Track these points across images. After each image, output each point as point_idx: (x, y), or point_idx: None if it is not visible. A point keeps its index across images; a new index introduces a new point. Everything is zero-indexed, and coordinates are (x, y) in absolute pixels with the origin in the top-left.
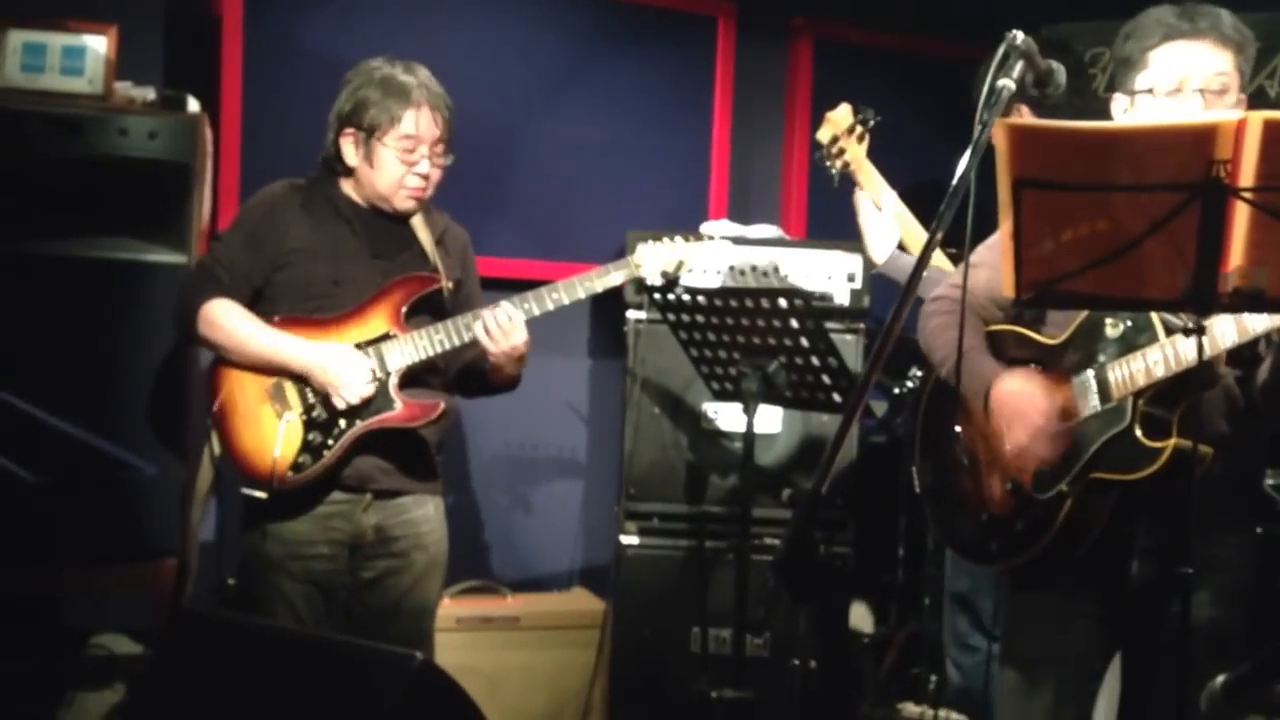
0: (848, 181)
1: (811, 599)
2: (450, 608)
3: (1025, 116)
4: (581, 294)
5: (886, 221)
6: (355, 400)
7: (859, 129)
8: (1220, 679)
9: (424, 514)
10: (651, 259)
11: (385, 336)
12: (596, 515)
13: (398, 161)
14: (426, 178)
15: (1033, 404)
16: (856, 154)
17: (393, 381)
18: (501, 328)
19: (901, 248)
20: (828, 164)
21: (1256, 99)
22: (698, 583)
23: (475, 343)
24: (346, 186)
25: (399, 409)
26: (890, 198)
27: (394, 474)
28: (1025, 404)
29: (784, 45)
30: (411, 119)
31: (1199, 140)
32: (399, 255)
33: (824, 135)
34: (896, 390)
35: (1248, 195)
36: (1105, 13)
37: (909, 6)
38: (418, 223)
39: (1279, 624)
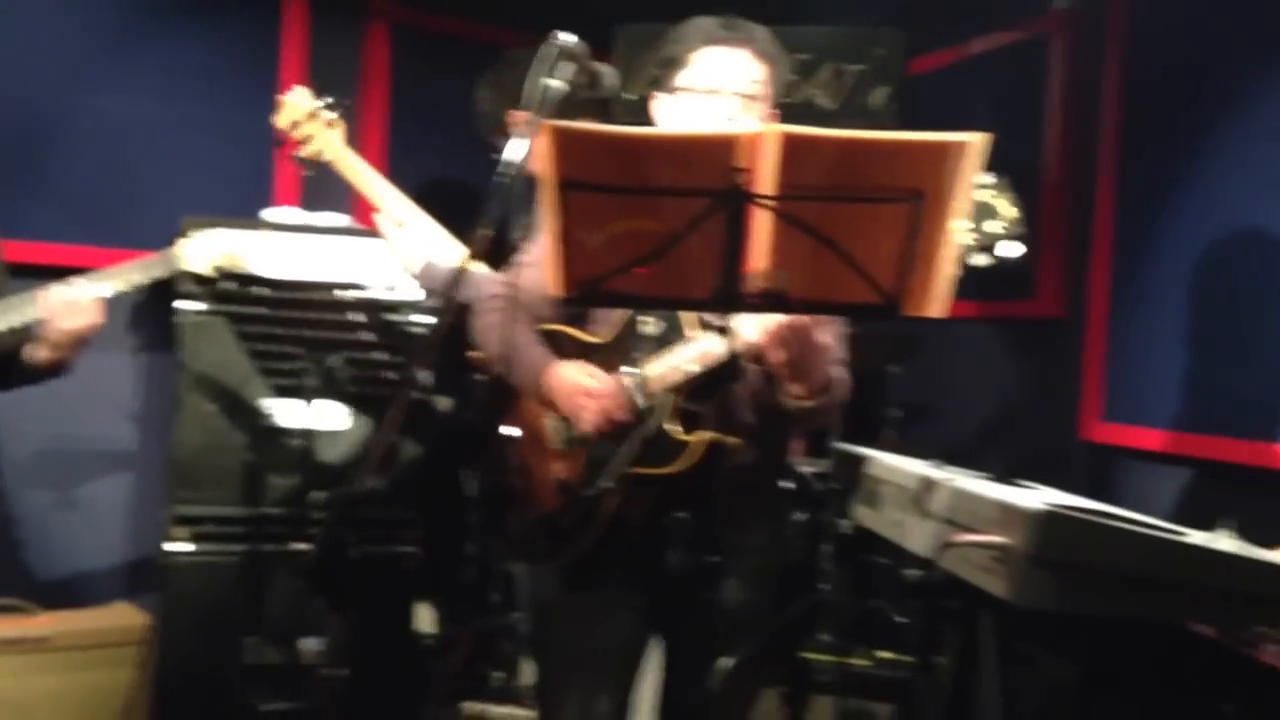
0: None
1: (348, 602)
2: None
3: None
4: (123, 286)
5: (410, 234)
6: None
7: (326, 114)
8: (728, 661)
9: None
10: (198, 250)
11: None
12: (146, 522)
13: None
14: None
15: (592, 376)
16: (329, 144)
17: None
18: (75, 303)
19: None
20: (293, 154)
21: (805, 110)
22: (253, 590)
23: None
24: None
25: None
26: (394, 200)
27: None
28: (583, 378)
29: (360, 26)
30: None
31: (721, 149)
32: None
33: (282, 120)
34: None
35: (766, 203)
36: (683, 13)
37: None
38: None
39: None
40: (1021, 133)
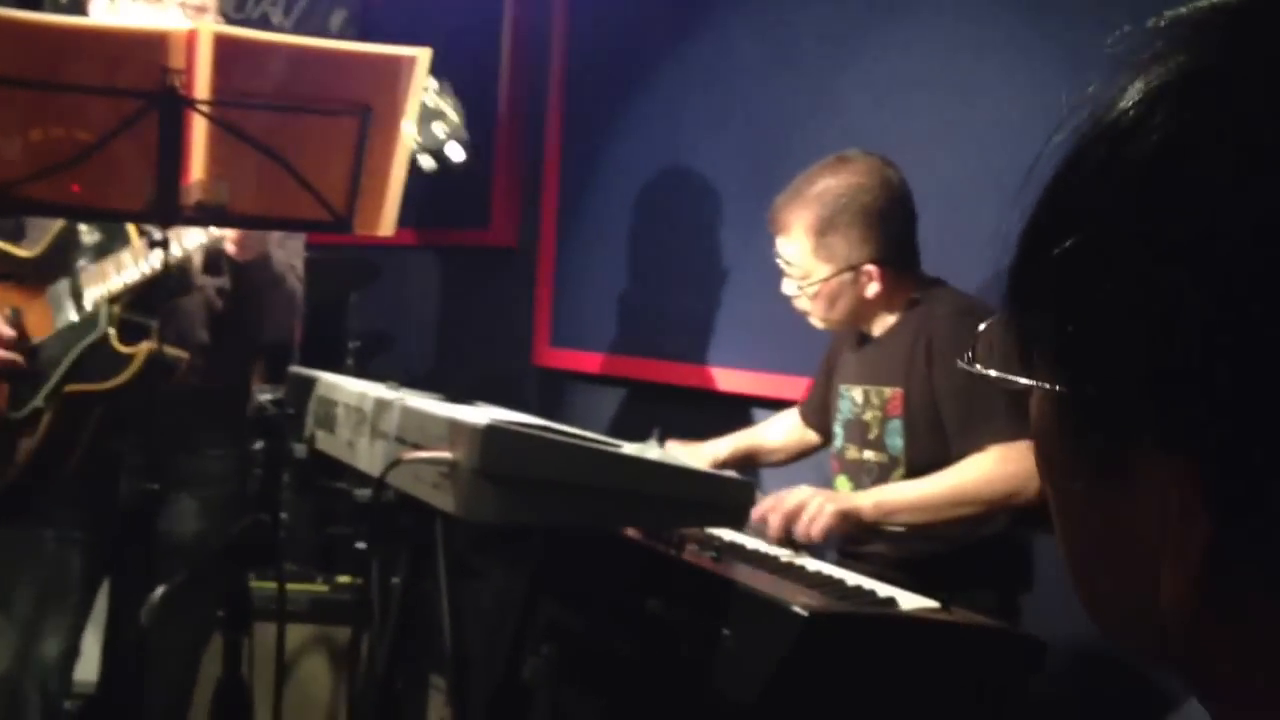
0: None
1: None
2: None
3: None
4: None
5: None
6: None
7: None
8: (158, 591)
9: None
10: None
11: None
12: None
13: None
14: None
15: None
16: None
17: None
18: None
19: None
20: None
21: (260, 26)
22: None
23: None
24: None
25: None
26: None
27: None
28: None
29: None
30: None
31: (152, 47)
32: None
33: None
34: None
35: (203, 108)
36: None
37: None
38: None
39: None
40: (478, 65)
